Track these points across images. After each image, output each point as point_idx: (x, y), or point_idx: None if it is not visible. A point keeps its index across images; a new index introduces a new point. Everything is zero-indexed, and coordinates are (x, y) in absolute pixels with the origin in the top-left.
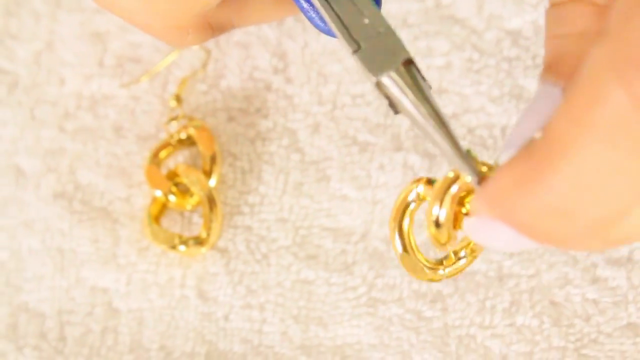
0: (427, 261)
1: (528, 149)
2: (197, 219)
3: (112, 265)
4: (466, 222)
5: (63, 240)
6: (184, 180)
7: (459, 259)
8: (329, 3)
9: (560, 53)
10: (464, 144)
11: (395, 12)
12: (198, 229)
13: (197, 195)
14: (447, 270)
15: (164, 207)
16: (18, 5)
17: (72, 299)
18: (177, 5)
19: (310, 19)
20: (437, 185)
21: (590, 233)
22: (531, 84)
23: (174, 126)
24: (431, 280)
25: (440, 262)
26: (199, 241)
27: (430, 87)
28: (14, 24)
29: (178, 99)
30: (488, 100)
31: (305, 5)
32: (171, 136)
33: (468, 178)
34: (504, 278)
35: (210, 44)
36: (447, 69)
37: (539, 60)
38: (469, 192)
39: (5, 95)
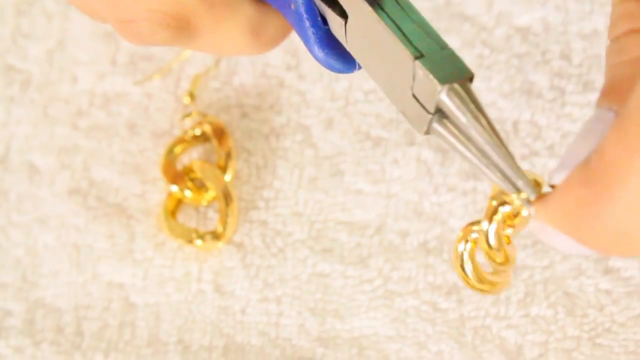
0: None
1: (585, 171)
2: (212, 214)
3: (128, 260)
4: (532, 225)
5: (79, 236)
6: (199, 175)
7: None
8: (382, 9)
9: (615, 79)
10: None
11: None
12: (213, 224)
13: (213, 191)
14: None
15: (179, 202)
16: (29, 5)
17: (89, 294)
18: None
19: (310, 46)
20: (487, 210)
21: None
22: (541, 79)
23: (188, 123)
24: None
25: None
26: (215, 236)
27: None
28: (25, 23)
29: (192, 95)
30: (499, 95)
31: (310, 31)
32: (185, 132)
33: (515, 197)
34: (518, 269)
35: None
36: None
37: (549, 56)
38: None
39: (18, 93)
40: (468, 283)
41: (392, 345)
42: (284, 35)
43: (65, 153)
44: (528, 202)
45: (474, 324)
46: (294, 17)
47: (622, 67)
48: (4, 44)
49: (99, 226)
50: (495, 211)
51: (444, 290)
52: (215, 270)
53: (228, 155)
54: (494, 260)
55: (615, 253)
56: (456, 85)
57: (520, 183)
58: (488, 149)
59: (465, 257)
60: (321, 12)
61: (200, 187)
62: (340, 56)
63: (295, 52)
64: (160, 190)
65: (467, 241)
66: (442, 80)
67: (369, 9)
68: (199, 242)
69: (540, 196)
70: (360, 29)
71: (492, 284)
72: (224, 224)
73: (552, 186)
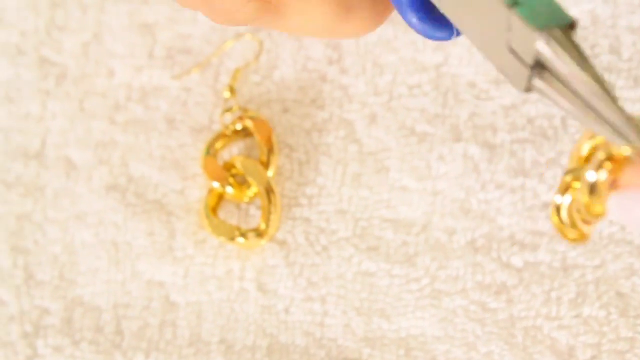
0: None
1: None
2: (254, 211)
3: (168, 258)
4: (614, 197)
5: (117, 234)
6: (241, 171)
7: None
8: None
9: None
10: (525, 135)
11: None
12: (255, 221)
13: (255, 187)
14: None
15: (220, 199)
16: None
17: (128, 292)
18: None
19: (403, 12)
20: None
21: None
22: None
23: (229, 118)
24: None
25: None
26: (258, 233)
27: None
28: (60, 15)
29: (232, 90)
30: None
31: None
32: (227, 127)
33: (624, 147)
34: (569, 269)
35: (263, 35)
36: None
37: (598, 51)
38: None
39: (54, 87)
40: (562, 232)
41: (440, 346)
42: (377, 17)
43: (102, 148)
44: None
45: (525, 325)
46: None
47: None
48: (38, 36)
49: (138, 223)
50: (601, 164)
51: (493, 290)
52: (258, 269)
53: (270, 151)
54: (590, 211)
55: None
56: (556, 32)
57: (632, 136)
58: (595, 101)
59: (564, 204)
60: None
61: (242, 183)
62: (435, 22)
63: (337, 46)
64: (201, 187)
65: (566, 189)
66: (541, 27)
67: None
68: (241, 239)
69: None
70: None
71: (583, 234)
72: (267, 221)
73: None
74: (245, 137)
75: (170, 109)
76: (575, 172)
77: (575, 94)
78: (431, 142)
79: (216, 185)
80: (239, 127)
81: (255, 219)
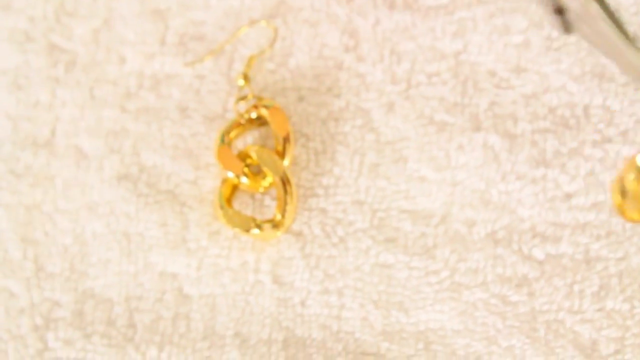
0: None
1: None
2: (268, 202)
3: (181, 249)
4: None
5: (129, 224)
6: (256, 161)
7: None
8: None
9: None
10: (546, 124)
11: None
12: (270, 212)
13: (270, 177)
14: None
15: (234, 189)
16: None
17: (141, 284)
18: None
19: None
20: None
21: None
22: (612, 62)
23: (243, 106)
24: None
25: None
26: (274, 224)
27: None
28: (70, 1)
29: (246, 77)
30: (569, 78)
31: None
32: (241, 116)
33: None
34: (591, 261)
35: (278, 21)
36: (526, 47)
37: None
38: None
39: (64, 74)
40: (624, 212)
41: (460, 340)
42: None
43: (113, 137)
44: None
45: (546, 318)
46: None
47: None
48: (47, 22)
49: (150, 214)
50: None
51: (513, 282)
52: (274, 261)
53: (286, 140)
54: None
55: None
56: None
57: None
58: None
59: (628, 185)
60: None
61: (257, 173)
62: None
63: (353, 33)
64: (214, 177)
65: (632, 169)
66: None
67: None
68: (256, 231)
69: None
70: None
71: None
72: (283, 212)
73: None
74: (259, 126)
75: (183, 97)
76: None
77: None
78: (450, 132)
79: (230, 175)
80: (253, 115)
81: (270, 209)
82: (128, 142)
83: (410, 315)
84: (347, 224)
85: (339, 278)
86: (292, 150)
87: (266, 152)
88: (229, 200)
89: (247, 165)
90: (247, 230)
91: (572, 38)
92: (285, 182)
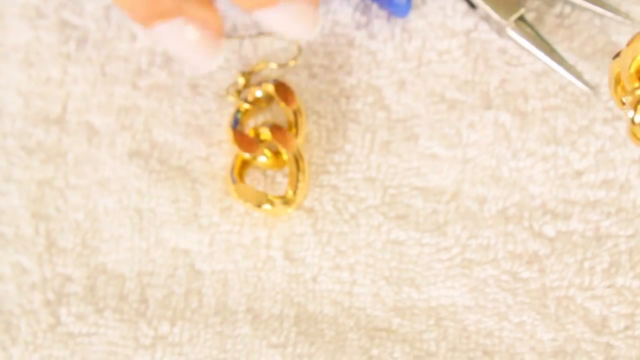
0: None
1: None
2: (280, 178)
3: (193, 225)
4: None
5: (141, 200)
6: (270, 138)
7: None
8: None
9: None
10: (557, 102)
11: None
12: (281, 189)
13: (284, 154)
14: None
15: (246, 164)
16: None
17: (153, 260)
18: None
19: None
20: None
21: None
22: (625, 40)
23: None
24: None
25: None
26: (286, 201)
27: None
28: None
29: (246, 76)
30: (580, 57)
31: None
32: (245, 98)
33: None
34: (601, 238)
35: None
36: (538, 24)
37: (633, 16)
38: None
39: (74, 50)
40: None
41: (471, 316)
42: None
43: (125, 113)
44: None
45: (557, 295)
46: None
47: None
48: None
49: (162, 190)
50: None
51: (524, 259)
52: (285, 237)
53: (296, 115)
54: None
55: None
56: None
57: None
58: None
59: None
60: None
61: (275, 151)
62: None
63: (365, 9)
64: (226, 154)
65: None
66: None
67: None
68: (267, 206)
69: None
70: None
71: None
72: (295, 188)
73: None
74: (268, 104)
75: (194, 74)
76: None
77: None
78: (461, 109)
79: (247, 156)
80: (258, 94)
81: (282, 186)
82: (139, 119)
83: (422, 292)
84: (358, 200)
85: (351, 254)
86: (304, 124)
87: (279, 129)
88: (241, 175)
89: (261, 141)
90: (259, 205)
91: (584, 15)
92: (298, 158)
